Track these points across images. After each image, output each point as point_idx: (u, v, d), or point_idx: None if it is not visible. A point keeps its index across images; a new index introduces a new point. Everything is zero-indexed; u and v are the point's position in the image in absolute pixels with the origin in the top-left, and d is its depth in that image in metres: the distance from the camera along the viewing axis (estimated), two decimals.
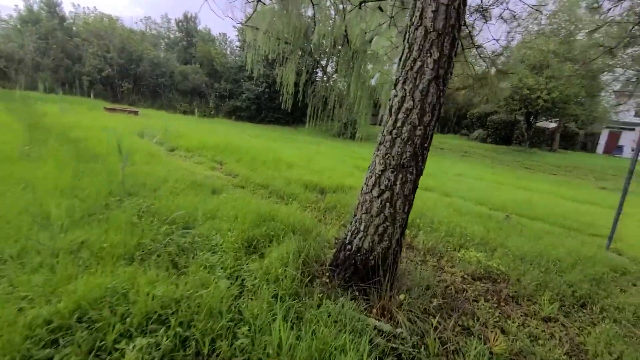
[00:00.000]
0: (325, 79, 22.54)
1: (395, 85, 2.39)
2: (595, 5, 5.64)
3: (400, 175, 2.36)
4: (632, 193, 12.52)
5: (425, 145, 2.41)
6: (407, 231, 4.18)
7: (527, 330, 2.46)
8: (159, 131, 9.81)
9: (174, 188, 4.32)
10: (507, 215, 5.98)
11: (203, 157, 7.71)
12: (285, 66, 20.56)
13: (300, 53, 21.92)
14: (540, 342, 2.35)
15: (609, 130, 31.91)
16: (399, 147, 2.34)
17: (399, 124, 2.34)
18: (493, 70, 4.52)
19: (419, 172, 2.45)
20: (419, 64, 2.26)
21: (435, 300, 2.58)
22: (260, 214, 3.47)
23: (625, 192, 4.84)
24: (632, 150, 29.86)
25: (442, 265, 3.43)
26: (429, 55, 2.23)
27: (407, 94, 2.31)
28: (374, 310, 2.29)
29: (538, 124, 25.73)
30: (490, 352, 2.14)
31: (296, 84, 21.22)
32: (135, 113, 16.86)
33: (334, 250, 2.78)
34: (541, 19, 18.43)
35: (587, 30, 15.88)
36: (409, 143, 2.33)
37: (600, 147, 32.67)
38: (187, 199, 3.86)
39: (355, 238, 2.50)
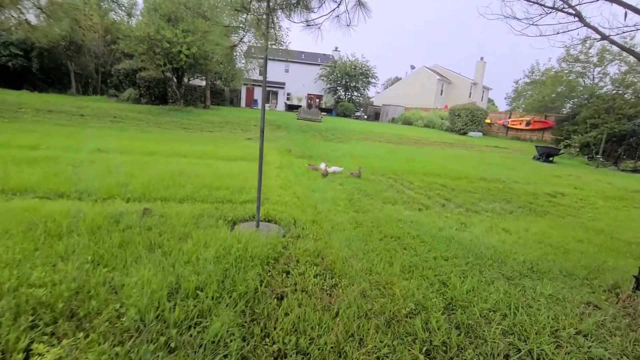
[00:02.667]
0: None
1: None
2: None
3: None
4: (267, 139, 14.97)
5: None
6: None
7: None
8: None
9: None
10: (146, 209, 4.24)
11: None
12: None
13: None
14: None
15: (246, 87, 38.23)
16: None
17: None
18: None
19: None
20: None
21: None
22: None
23: (261, 154, 4.27)
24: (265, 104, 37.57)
25: None
26: None
27: None
28: None
29: (192, 82, 25.99)
30: None
31: None
32: None
33: None
34: None
35: None
36: None
37: (243, 102, 38.84)
38: None
39: None
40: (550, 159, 17.32)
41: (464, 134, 25.49)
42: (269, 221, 4.60)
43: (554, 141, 23.21)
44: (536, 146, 18.10)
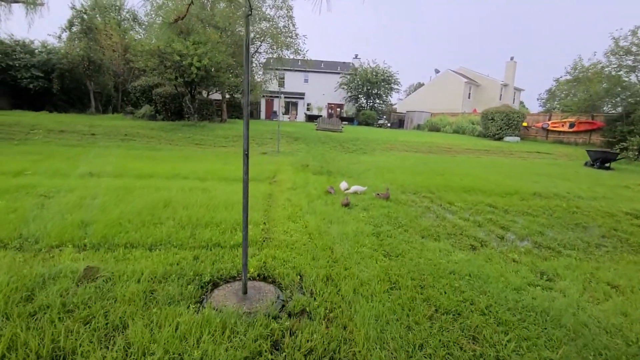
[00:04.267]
0: None
1: None
2: None
3: None
4: (283, 153, 13.64)
5: None
6: None
7: None
8: None
9: None
10: (88, 268, 2.99)
11: None
12: None
13: None
14: None
15: (265, 99, 37.67)
16: None
17: None
18: None
19: None
20: None
21: None
22: None
23: (246, 190, 2.94)
24: (282, 114, 36.07)
25: None
26: None
27: None
28: None
29: (211, 97, 25.49)
30: None
31: None
32: None
33: None
34: None
35: None
36: None
37: (262, 114, 38.31)
38: None
39: None
40: (607, 165, 15.06)
41: (499, 139, 23.32)
42: (264, 278, 3.25)
43: (605, 144, 20.68)
44: (588, 151, 15.87)
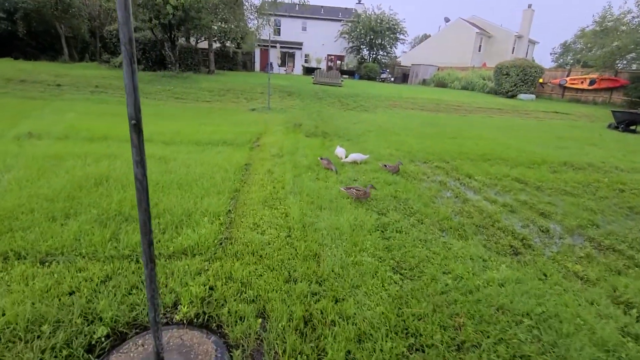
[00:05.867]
0: None
1: None
2: None
3: None
4: (274, 110, 11.88)
5: None
6: None
7: None
8: None
9: None
10: None
11: None
12: None
13: None
14: None
15: (260, 49, 34.74)
16: None
17: None
18: None
19: None
20: None
21: None
22: None
23: (140, 158, 1.63)
24: (278, 66, 33.34)
25: None
26: None
27: None
28: None
29: (199, 45, 23.03)
30: None
31: None
32: None
33: None
34: None
35: None
36: None
37: (257, 65, 35.58)
38: None
39: None
40: (632, 127, 13.59)
41: (513, 96, 21.45)
42: (205, 324, 2.03)
43: (628, 103, 18.98)
44: (614, 111, 14.28)
